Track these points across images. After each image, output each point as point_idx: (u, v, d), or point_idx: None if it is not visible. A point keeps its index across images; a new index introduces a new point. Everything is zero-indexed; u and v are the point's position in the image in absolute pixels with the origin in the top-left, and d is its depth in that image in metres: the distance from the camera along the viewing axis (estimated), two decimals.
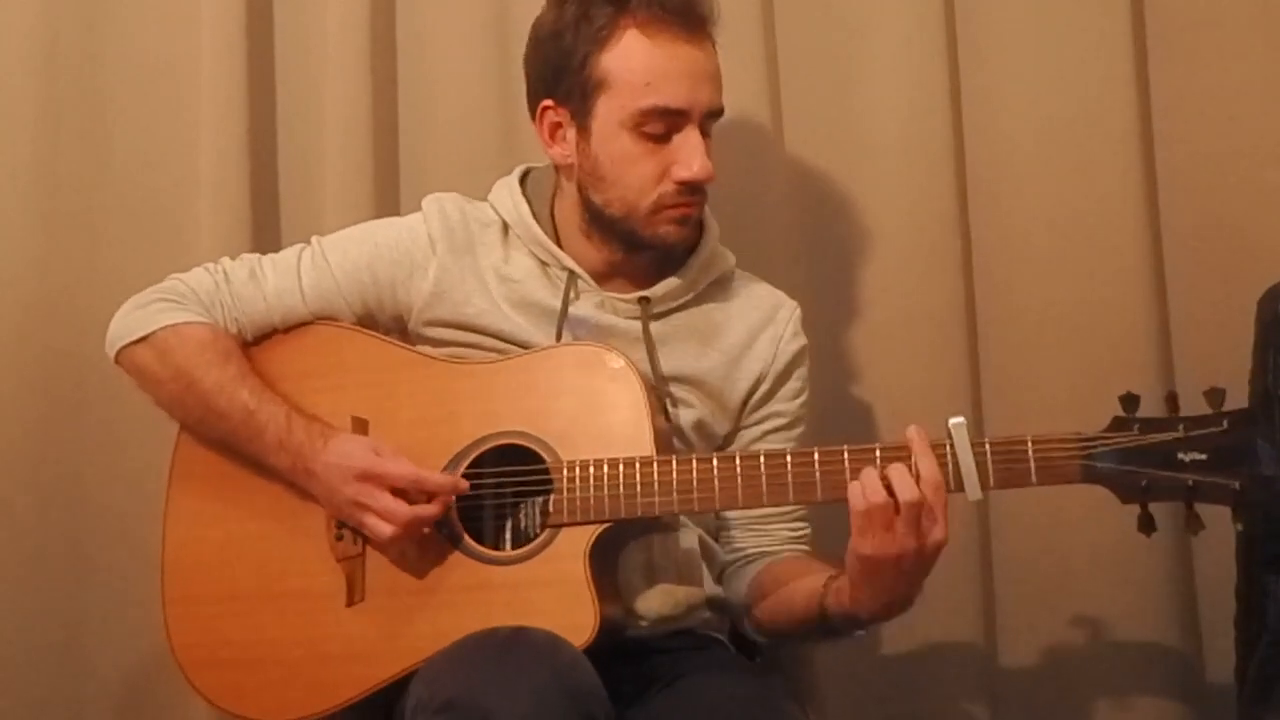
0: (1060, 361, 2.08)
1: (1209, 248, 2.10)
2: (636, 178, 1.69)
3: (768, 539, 1.80)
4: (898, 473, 1.51)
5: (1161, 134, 2.12)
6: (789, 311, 1.84)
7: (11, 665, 2.10)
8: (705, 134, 1.70)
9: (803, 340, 1.83)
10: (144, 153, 2.20)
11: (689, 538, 1.75)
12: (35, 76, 2.17)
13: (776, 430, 1.80)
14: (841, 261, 2.17)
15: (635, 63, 1.66)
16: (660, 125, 1.67)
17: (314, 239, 1.82)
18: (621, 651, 1.65)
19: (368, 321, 1.78)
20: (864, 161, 2.18)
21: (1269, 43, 2.10)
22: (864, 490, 1.51)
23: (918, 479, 1.51)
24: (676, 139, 1.68)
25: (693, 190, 1.70)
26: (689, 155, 1.67)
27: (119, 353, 1.76)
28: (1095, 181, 2.12)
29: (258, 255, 1.82)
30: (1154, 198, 2.11)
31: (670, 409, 1.74)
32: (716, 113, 1.71)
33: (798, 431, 1.82)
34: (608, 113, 1.68)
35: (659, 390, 1.73)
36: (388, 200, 2.17)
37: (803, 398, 1.83)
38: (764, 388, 1.80)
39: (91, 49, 2.20)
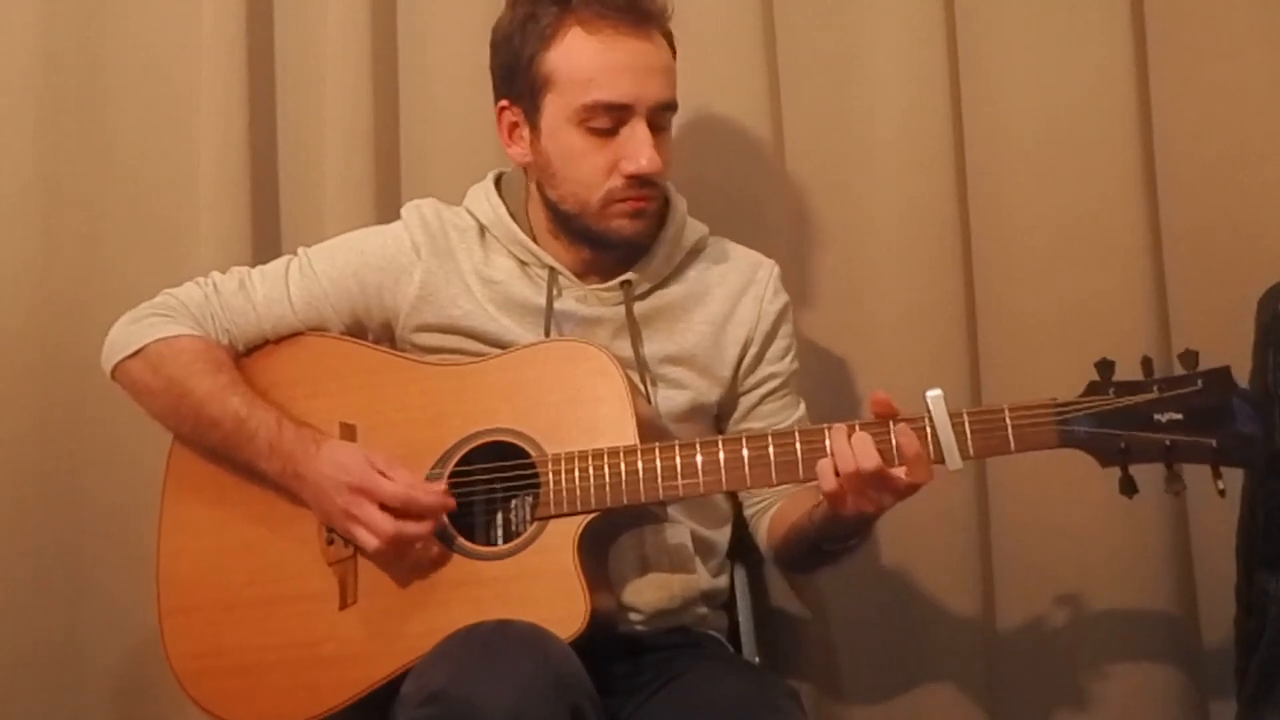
0: (1060, 361, 2.06)
1: (1209, 247, 2.09)
2: (585, 173, 1.71)
3: (782, 489, 1.81)
4: (861, 441, 1.55)
5: (1161, 134, 2.12)
6: (768, 271, 1.86)
7: (10, 665, 2.11)
8: (660, 127, 1.72)
9: (785, 298, 1.86)
10: (144, 153, 2.21)
11: (680, 533, 1.76)
12: (35, 76, 2.18)
13: (773, 391, 1.83)
14: (841, 261, 2.17)
15: (577, 60, 1.69)
16: (606, 120, 1.69)
17: (301, 250, 1.84)
18: (618, 649, 1.67)
19: (357, 330, 1.81)
20: (864, 161, 2.18)
21: (1269, 43, 2.10)
22: (836, 464, 1.54)
23: (898, 451, 1.55)
24: (623, 133, 1.70)
25: (643, 183, 1.71)
26: (636, 149, 1.69)
27: (114, 368, 1.78)
28: (1095, 181, 2.12)
29: (247, 268, 1.85)
30: (1154, 197, 2.11)
31: (663, 392, 1.76)
32: (667, 106, 1.73)
33: (792, 388, 1.85)
34: (554, 110, 1.71)
35: (647, 376, 1.75)
36: (388, 200, 2.17)
37: (791, 354, 1.86)
38: (753, 350, 1.82)
39: (91, 49, 2.21)
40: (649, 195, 1.73)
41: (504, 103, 1.77)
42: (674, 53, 1.76)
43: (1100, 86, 2.12)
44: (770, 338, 1.83)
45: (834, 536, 1.67)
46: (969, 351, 2.13)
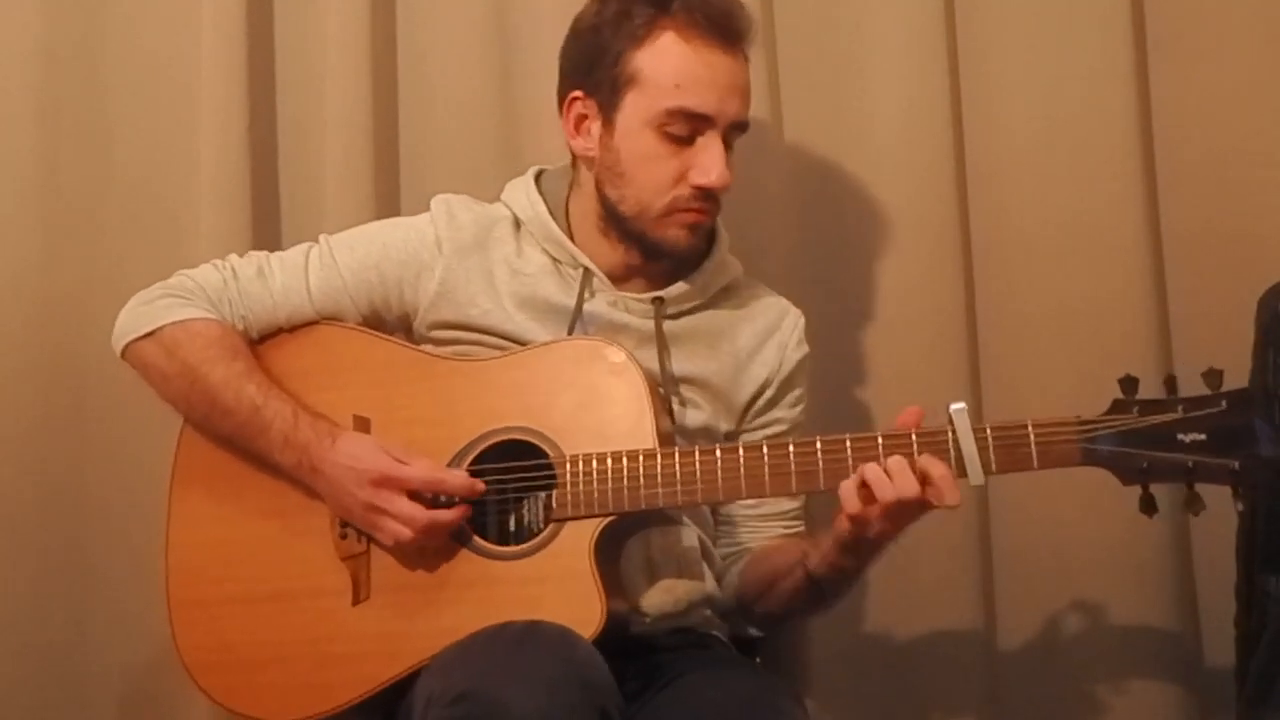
0: (1061, 361, 2.08)
1: (1209, 247, 2.10)
2: (654, 177, 1.70)
3: (762, 535, 1.82)
4: (899, 472, 1.53)
5: (1161, 134, 2.12)
6: (794, 319, 1.86)
7: (13, 665, 2.10)
8: (728, 146, 1.71)
9: (806, 349, 1.86)
10: (144, 153, 2.20)
11: (689, 536, 1.76)
12: (35, 76, 2.17)
13: (776, 437, 1.81)
14: (842, 260, 2.17)
15: (668, 63, 1.68)
16: (684, 128, 1.68)
17: (322, 238, 1.83)
18: (624, 649, 1.65)
19: (374, 321, 1.79)
20: (864, 161, 2.18)
21: (1269, 43, 2.10)
22: (875, 492, 1.53)
23: (925, 477, 1.53)
24: (699, 143, 1.69)
25: (707, 197, 1.71)
26: (709, 162, 1.69)
27: (126, 348, 1.76)
28: (1095, 181, 2.12)
29: (266, 253, 1.83)
30: (1154, 197, 2.11)
31: (678, 409, 1.75)
32: (741, 126, 1.73)
33: (795, 439, 1.81)
34: (635, 109, 1.69)
35: (666, 390, 1.74)
36: (388, 200, 2.17)
37: (802, 405, 1.85)
38: (769, 393, 1.82)
39: (91, 48, 2.19)
40: (710, 210, 1.73)
41: (577, 93, 1.74)
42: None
43: (1100, 86, 2.13)
44: (788, 385, 1.83)
45: (845, 573, 1.65)
46: (969, 352, 2.13)
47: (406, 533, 1.61)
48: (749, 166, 2.10)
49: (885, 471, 1.53)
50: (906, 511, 1.54)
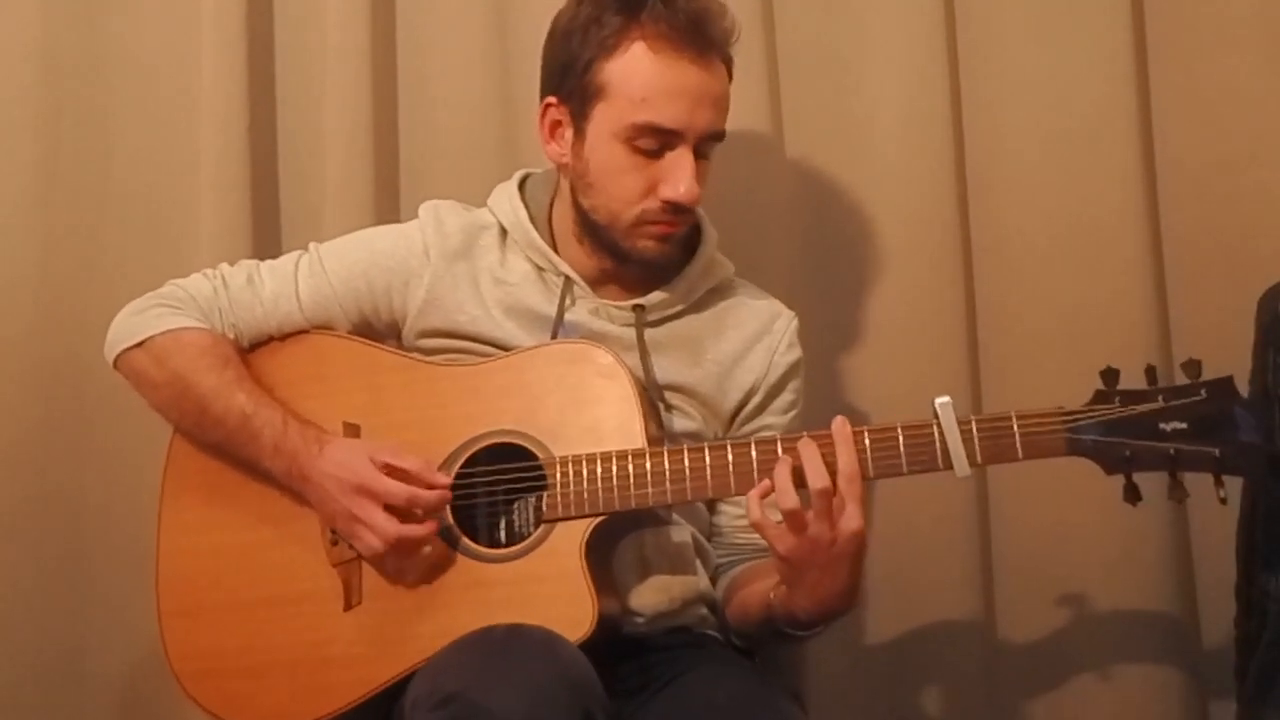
0: (1060, 362, 2.07)
1: (1209, 248, 2.09)
2: (623, 189, 1.69)
3: (755, 545, 1.78)
4: (811, 461, 1.54)
5: (1161, 135, 2.12)
6: (785, 322, 1.84)
7: (11, 671, 2.10)
8: (703, 156, 1.70)
9: (798, 353, 1.83)
10: (144, 155, 2.20)
11: (681, 534, 1.75)
12: (35, 76, 2.17)
13: None
14: (842, 263, 2.17)
15: (636, 76, 1.66)
16: (653, 141, 1.67)
17: (312, 246, 1.83)
18: (620, 650, 1.66)
19: (364, 329, 1.79)
20: (864, 163, 2.18)
21: (1269, 43, 2.10)
22: (776, 494, 1.53)
23: (834, 470, 1.53)
24: (669, 157, 1.67)
25: (676, 210, 1.69)
26: (677, 176, 1.67)
27: (117, 357, 1.77)
28: (1095, 182, 2.12)
29: (256, 261, 1.83)
30: (1154, 198, 2.11)
31: (665, 414, 1.74)
32: (716, 136, 1.71)
33: None
34: (603, 121, 1.68)
35: (652, 396, 1.73)
36: (388, 201, 2.18)
37: (794, 411, 1.83)
38: (756, 399, 1.80)
39: (91, 49, 2.20)
40: (680, 221, 1.72)
41: (551, 99, 1.74)
42: (731, 78, 1.73)
43: (1100, 88, 2.12)
44: (776, 390, 1.81)
45: (791, 615, 1.62)
46: (969, 353, 2.13)
47: (379, 544, 1.61)
48: (749, 170, 2.11)
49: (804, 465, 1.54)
50: (824, 504, 1.52)
